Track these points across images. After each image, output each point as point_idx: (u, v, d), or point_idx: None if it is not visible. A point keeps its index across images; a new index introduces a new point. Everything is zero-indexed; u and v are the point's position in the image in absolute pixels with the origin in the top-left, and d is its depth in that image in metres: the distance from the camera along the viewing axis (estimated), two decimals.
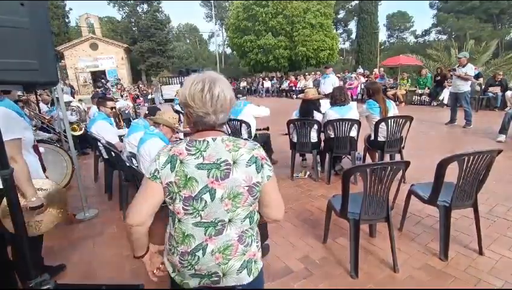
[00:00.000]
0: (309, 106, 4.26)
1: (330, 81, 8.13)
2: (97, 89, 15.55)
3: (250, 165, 1.08)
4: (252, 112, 4.69)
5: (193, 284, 1.16)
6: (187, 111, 1.11)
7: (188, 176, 1.06)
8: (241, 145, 1.10)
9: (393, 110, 3.88)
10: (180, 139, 2.33)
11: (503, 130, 5.60)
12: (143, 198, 1.11)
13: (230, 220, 1.11)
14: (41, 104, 6.71)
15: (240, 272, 1.15)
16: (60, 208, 2.03)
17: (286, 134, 4.46)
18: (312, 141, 4.13)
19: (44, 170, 2.28)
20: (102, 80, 17.09)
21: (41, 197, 1.87)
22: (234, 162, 1.07)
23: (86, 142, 6.34)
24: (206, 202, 1.08)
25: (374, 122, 3.84)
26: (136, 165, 3.10)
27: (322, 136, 4.26)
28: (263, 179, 1.11)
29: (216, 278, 1.14)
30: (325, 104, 4.88)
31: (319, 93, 5.71)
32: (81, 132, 5.99)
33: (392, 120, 3.70)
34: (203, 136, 1.10)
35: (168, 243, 1.20)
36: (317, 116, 4.21)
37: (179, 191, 1.08)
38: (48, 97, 7.32)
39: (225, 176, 1.07)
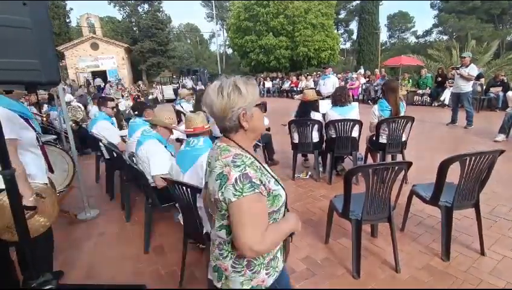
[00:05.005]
0: (307, 107, 4.22)
1: (331, 82, 7.78)
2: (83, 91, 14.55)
3: (217, 180, 1.03)
4: None
5: None
6: None
7: None
8: (220, 157, 1.05)
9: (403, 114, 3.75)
10: (184, 139, 2.31)
11: (502, 129, 5.59)
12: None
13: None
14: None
15: None
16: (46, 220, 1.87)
17: (285, 125, 4.42)
18: (314, 141, 4.12)
19: (52, 171, 2.20)
20: (99, 82, 16.89)
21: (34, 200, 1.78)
22: (211, 170, 1.07)
23: (87, 143, 6.34)
24: None
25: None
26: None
27: (324, 136, 4.24)
28: (224, 199, 1.01)
29: None
30: (325, 104, 4.85)
31: (318, 94, 5.64)
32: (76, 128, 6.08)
33: (394, 121, 3.68)
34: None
35: None
36: (315, 116, 4.17)
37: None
38: (45, 96, 7.31)
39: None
